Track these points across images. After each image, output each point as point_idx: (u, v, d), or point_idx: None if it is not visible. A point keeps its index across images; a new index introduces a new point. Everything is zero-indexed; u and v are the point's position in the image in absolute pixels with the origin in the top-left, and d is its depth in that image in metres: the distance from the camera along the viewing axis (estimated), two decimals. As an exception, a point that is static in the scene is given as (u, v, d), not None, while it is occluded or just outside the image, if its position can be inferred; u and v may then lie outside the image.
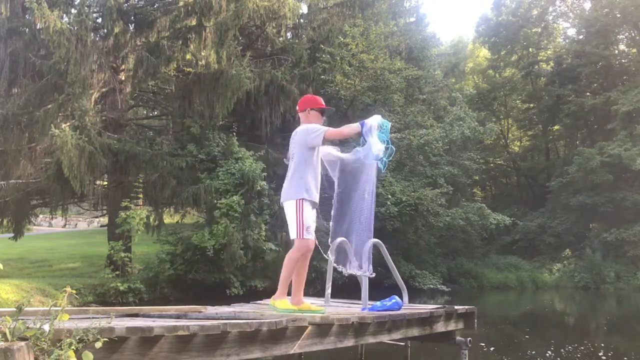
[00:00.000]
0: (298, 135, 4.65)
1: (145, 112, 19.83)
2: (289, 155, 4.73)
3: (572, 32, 31.72)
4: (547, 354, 7.45)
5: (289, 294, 4.68)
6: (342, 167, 5.09)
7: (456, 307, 5.58)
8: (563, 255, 24.78)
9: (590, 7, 29.40)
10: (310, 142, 4.55)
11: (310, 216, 4.50)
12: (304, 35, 17.99)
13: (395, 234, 17.62)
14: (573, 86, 27.92)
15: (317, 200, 4.57)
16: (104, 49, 13.80)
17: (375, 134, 4.46)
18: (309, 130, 4.57)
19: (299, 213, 4.45)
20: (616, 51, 28.62)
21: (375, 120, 4.50)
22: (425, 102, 21.93)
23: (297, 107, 4.88)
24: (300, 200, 4.46)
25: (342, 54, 17.83)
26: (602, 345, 8.24)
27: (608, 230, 23.84)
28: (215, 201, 13.31)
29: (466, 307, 5.70)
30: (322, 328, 4.13)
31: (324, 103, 4.84)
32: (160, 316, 4.12)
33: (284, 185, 4.64)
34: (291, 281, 4.65)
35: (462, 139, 21.43)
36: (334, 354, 5.64)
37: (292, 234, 4.52)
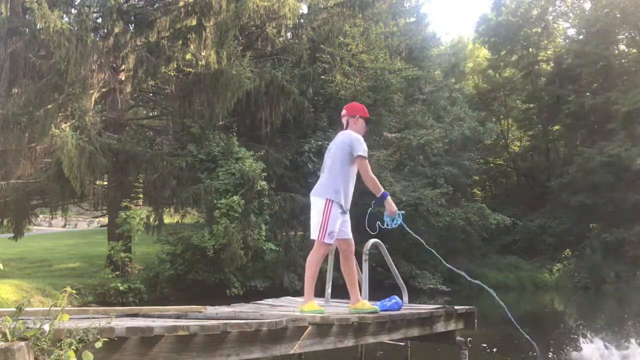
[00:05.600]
0: (346, 137, 4.67)
1: (145, 112, 19.83)
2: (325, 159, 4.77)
3: (572, 32, 31.71)
4: (548, 355, 7.46)
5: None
6: None
7: (456, 307, 5.58)
8: (563, 255, 24.73)
9: (590, 7, 29.38)
10: (356, 151, 4.58)
11: (335, 221, 4.51)
12: (304, 35, 17.98)
13: (395, 234, 17.56)
14: (573, 86, 27.90)
15: (344, 206, 4.58)
16: (104, 49, 13.79)
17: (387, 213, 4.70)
18: (361, 141, 4.62)
19: (326, 214, 4.48)
20: (616, 51, 28.59)
21: (394, 210, 4.66)
22: (425, 102, 21.93)
23: (345, 111, 4.88)
24: (329, 201, 4.49)
25: (342, 54, 17.82)
26: (602, 345, 8.23)
27: (608, 230, 23.82)
28: (215, 201, 13.31)
29: (466, 307, 5.70)
30: (322, 328, 4.13)
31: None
32: (160, 316, 4.12)
33: (319, 180, 4.70)
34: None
35: (462, 139, 21.43)
36: (334, 354, 5.63)
37: (314, 234, 4.55)
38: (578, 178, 24.52)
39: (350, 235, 4.69)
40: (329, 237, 4.49)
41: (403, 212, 4.73)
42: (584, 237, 25.25)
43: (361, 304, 4.70)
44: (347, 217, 4.69)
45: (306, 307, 4.53)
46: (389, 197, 4.58)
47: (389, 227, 4.73)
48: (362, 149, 4.58)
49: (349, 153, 4.57)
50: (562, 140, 31.78)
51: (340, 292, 6.20)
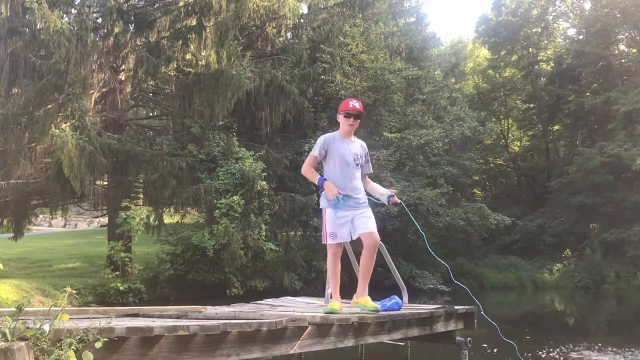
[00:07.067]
0: None
1: (145, 112, 19.82)
2: None
3: (572, 32, 31.72)
4: (547, 355, 7.46)
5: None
6: None
7: (456, 307, 5.58)
8: (563, 255, 24.75)
9: (590, 7, 29.39)
10: None
11: (330, 222, 4.70)
12: (304, 35, 17.98)
13: (395, 234, 17.63)
14: (573, 86, 27.89)
15: (339, 202, 4.69)
16: (104, 49, 13.80)
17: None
18: (318, 141, 4.87)
19: (323, 221, 4.80)
20: (616, 51, 28.59)
21: (333, 192, 4.63)
22: (425, 102, 21.91)
23: None
24: (323, 210, 4.81)
25: (342, 54, 17.81)
26: (602, 345, 8.24)
27: (608, 230, 23.81)
28: (215, 201, 13.31)
29: (466, 307, 5.70)
30: (322, 328, 4.13)
31: (352, 105, 4.83)
32: (160, 316, 4.13)
33: None
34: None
35: (462, 139, 21.42)
36: (334, 354, 5.63)
37: None
38: (578, 178, 24.51)
39: (368, 230, 4.66)
40: (330, 238, 4.72)
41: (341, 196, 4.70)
42: (584, 237, 25.25)
43: (364, 300, 4.74)
44: (363, 212, 4.72)
45: (328, 306, 4.71)
46: (325, 182, 4.68)
47: (335, 209, 4.71)
48: (314, 147, 4.86)
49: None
50: (562, 140, 31.78)
51: (341, 292, 6.19)
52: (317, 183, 4.71)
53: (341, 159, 4.71)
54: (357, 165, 4.79)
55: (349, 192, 4.69)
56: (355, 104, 4.82)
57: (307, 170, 4.81)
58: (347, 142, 4.80)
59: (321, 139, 4.81)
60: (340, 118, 4.85)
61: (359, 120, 4.87)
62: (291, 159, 16.20)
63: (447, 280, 19.21)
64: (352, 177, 4.74)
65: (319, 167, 4.99)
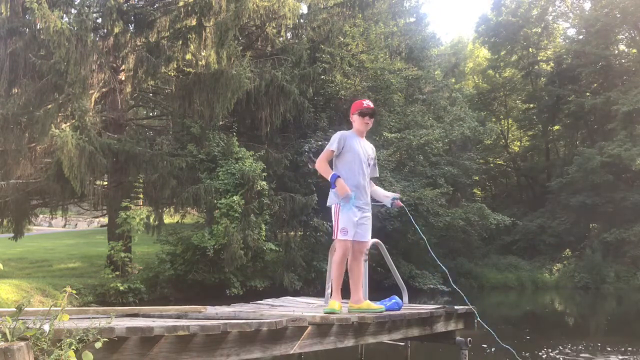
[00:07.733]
0: None
1: (145, 112, 19.82)
2: None
3: (572, 32, 31.73)
4: (547, 355, 7.46)
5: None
6: None
7: (456, 307, 5.58)
8: (563, 256, 24.75)
9: (590, 7, 29.41)
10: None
11: (345, 217, 4.64)
12: (304, 35, 17.97)
13: (395, 234, 17.63)
14: (573, 86, 27.90)
15: (352, 201, 4.67)
16: (104, 49, 13.80)
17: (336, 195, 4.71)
18: (335, 136, 4.83)
19: (335, 217, 4.70)
20: (616, 51, 28.59)
21: (344, 191, 4.61)
22: (425, 102, 21.92)
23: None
24: (333, 206, 4.73)
25: (342, 54, 17.81)
26: (602, 345, 8.24)
27: (608, 230, 23.82)
28: (215, 201, 13.31)
29: (466, 307, 5.70)
30: (322, 328, 4.13)
31: (367, 104, 4.90)
32: (160, 316, 4.13)
33: None
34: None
35: (462, 139, 21.43)
36: (334, 354, 5.63)
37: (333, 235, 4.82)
38: (578, 178, 24.51)
39: (364, 238, 4.77)
40: (341, 234, 4.64)
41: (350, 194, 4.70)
42: (584, 237, 25.25)
43: (366, 304, 4.73)
44: (366, 217, 4.76)
45: (328, 306, 4.69)
46: (338, 179, 4.63)
47: (346, 206, 4.70)
48: (330, 142, 4.81)
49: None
50: (562, 140, 31.80)
51: (341, 292, 6.19)
52: (329, 179, 4.69)
53: (358, 156, 4.77)
54: (368, 165, 4.86)
55: (361, 189, 4.73)
56: (369, 102, 4.92)
57: (322, 164, 4.79)
58: (361, 141, 4.88)
59: (338, 135, 4.82)
60: (355, 118, 4.88)
61: (373, 119, 4.93)
62: (291, 159, 16.20)
63: (447, 280, 19.25)
64: (365, 175, 4.80)
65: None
